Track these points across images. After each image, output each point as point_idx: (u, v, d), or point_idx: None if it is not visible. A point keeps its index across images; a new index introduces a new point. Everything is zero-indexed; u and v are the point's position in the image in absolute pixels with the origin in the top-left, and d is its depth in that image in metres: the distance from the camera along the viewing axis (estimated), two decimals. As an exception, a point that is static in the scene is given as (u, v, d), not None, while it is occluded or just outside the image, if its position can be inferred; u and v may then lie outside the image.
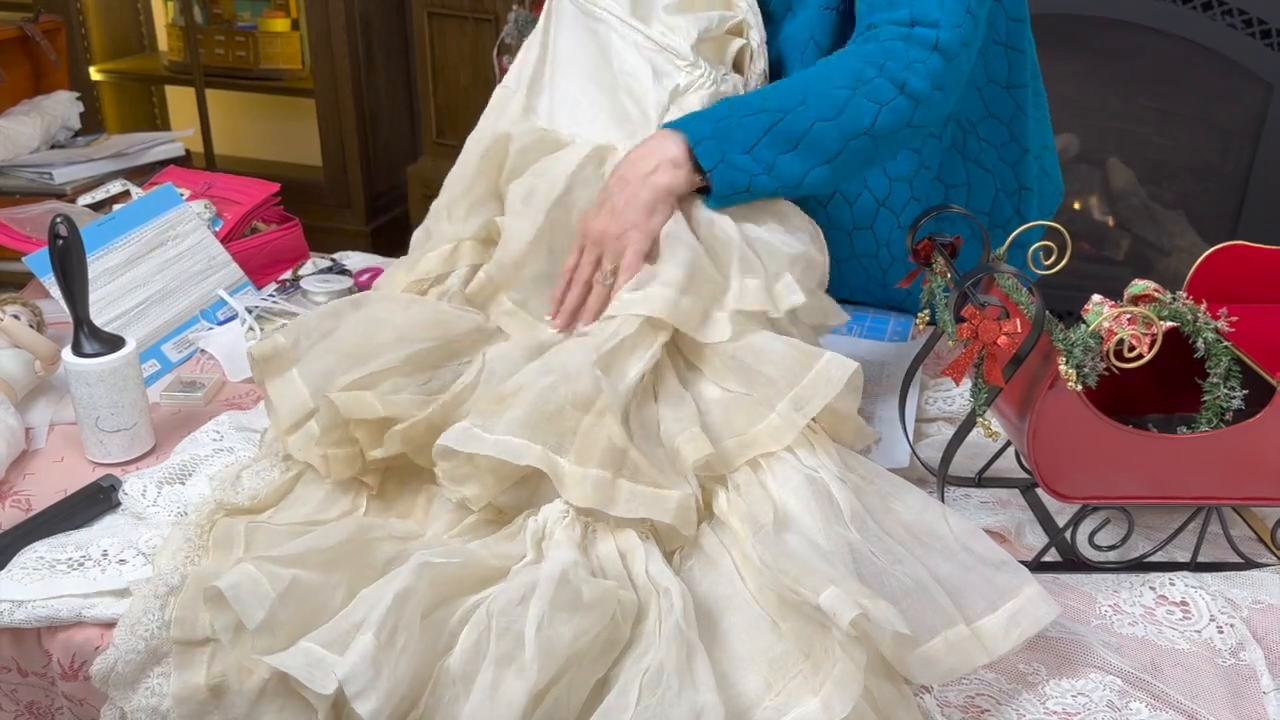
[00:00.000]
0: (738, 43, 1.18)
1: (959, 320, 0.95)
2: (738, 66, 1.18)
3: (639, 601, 0.87)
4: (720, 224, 1.05)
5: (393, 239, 3.14)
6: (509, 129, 1.13)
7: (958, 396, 1.26)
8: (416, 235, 1.20)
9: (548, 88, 1.16)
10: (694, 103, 1.11)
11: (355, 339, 1.04)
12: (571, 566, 0.85)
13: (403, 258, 1.21)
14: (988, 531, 1.05)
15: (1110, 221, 2.67)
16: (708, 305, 1.01)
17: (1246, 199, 2.47)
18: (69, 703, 0.96)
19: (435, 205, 1.19)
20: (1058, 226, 1.03)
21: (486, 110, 1.19)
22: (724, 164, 1.03)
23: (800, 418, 0.95)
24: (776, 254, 1.06)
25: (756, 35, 1.19)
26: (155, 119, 3.51)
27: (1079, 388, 0.90)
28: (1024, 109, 1.34)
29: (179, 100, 3.50)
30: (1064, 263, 1.02)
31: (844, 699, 0.77)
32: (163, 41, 3.45)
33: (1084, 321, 0.93)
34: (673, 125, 1.06)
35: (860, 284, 1.41)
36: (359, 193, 3.25)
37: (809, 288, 1.07)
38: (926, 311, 1.08)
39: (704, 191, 1.06)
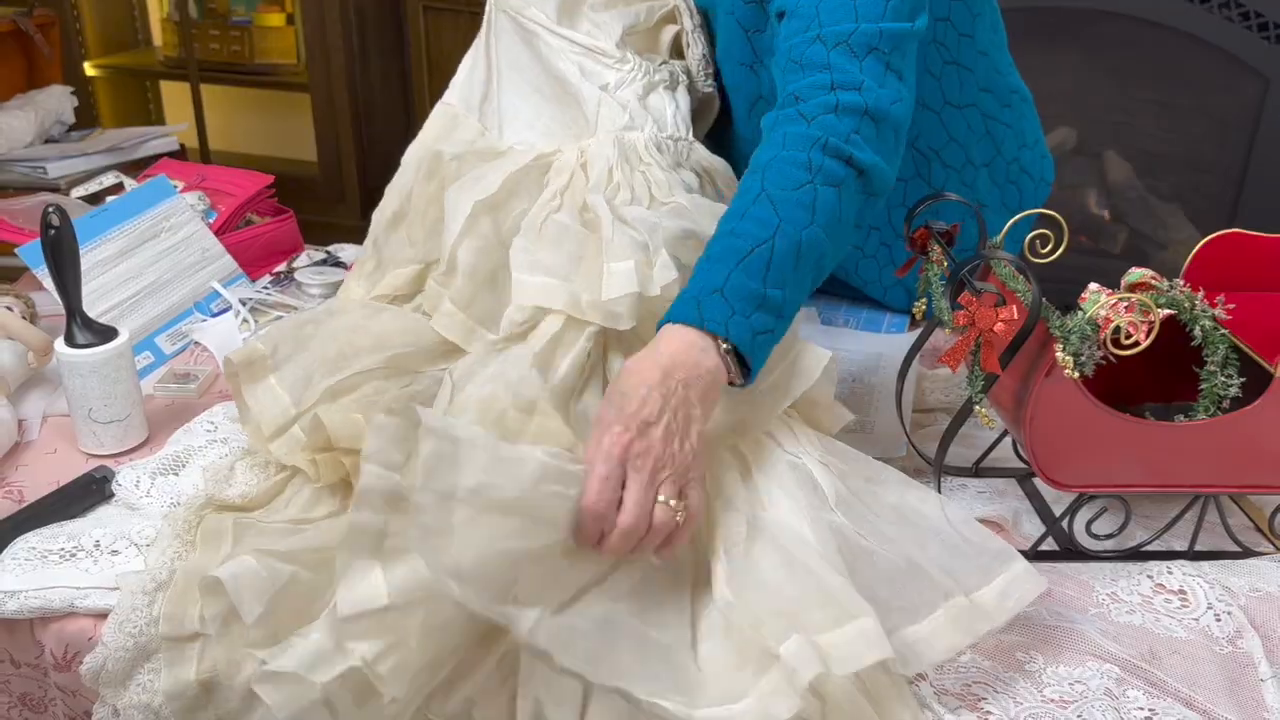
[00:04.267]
0: (672, 29, 1.18)
1: (955, 307, 0.95)
2: (679, 52, 1.19)
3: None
4: (594, 207, 1.03)
5: (388, 234, 3.12)
6: (442, 148, 1.13)
7: (954, 387, 1.25)
8: (366, 247, 1.20)
9: (495, 107, 1.16)
10: (628, 97, 1.10)
11: (335, 346, 1.04)
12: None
13: (354, 270, 1.21)
14: (985, 521, 1.05)
15: (1107, 215, 2.67)
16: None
17: (1243, 192, 2.47)
18: (62, 694, 0.96)
19: (378, 216, 1.19)
20: (1054, 215, 1.02)
21: (427, 124, 1.19)
22: (756, 338, 0.89)
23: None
24: (656, 231, 1.01)
25: (689, 21, 1.19)
26: (150, 114, 3.50)
27: (1076, 375, 0.90)
28: (973, 128, 1.30)
29: (174, 95, 3.48)
30: (1060, 251, 1.02)
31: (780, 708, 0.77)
32: (157, 36, 3.44)
33: (1081, 310, 0.92)
34: (681, 318, 0.88)
35: (850, 267, 1.39)
36: (354, 187, 3.24)
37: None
38: (923, 300, 1.08)
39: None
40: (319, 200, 3.22)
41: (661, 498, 0.81)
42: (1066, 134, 2.63)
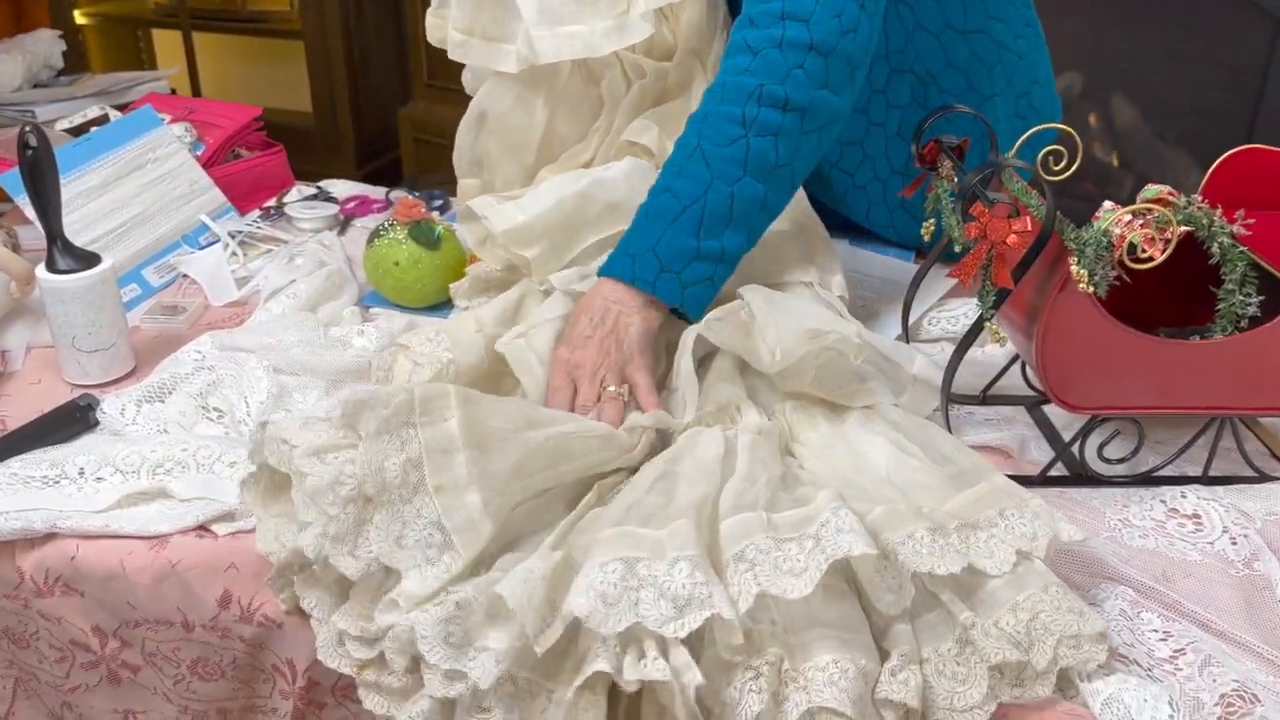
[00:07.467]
0: None
1: (968, 220, 0.91)
2: None
3: None
4: None
5: (384, 183, 3.07)
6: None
7: (961, 316, 1.22)
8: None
9: None
10: None
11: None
12: None
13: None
14: (991, 448, 1.03)
15: (1114, 160, 2.63)
16: None
17: (1252, 137, 2.43)
18: (45, 621, 0.93)
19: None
20: (1068, 130, 0.98)
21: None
22: (687, 290, 0.99)
23: None
24: None
25: None
26: (142, 63, 3.45)
27: (1091, 290, 0.87)
28: (980, 56, 1.27)
29: (166, 44, 3.43)
30: (1074, 168, 0.98)
31: None
32: (148, -16, 3.39)
33: (1096, 224, 0.89)
34: (614, 273, 1.00)
35: (839, 194, 1.34)
36: (349, 137, 3.20)
37: None
38: (931, 221, 1.04)
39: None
40: (314, 150, 3.17)
41: (610, 388, 0.96)
42: (1073, 78, 2.58)
